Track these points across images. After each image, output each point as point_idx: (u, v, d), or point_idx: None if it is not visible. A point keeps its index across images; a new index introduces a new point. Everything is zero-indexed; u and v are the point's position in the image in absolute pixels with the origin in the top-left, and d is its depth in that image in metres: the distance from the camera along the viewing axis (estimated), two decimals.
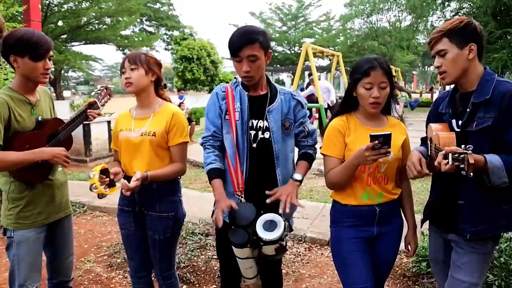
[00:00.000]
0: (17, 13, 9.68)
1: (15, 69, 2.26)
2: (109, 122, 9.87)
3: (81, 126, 8.69)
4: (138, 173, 2.23)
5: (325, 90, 11.79)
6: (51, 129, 2.35)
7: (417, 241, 2.33)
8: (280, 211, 2.11)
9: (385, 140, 1.89)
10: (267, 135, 2.26)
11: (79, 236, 4.82)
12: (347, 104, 2.24)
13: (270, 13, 34.21)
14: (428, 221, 2.26)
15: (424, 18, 27.79)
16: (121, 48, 24.01)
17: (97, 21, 20.57)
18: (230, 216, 2.14)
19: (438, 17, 27.26)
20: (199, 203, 5.38)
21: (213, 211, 2.29)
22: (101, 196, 2.28)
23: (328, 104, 11.64)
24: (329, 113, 11.59)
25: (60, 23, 19.78)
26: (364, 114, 2.19)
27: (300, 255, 4.16)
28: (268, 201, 2.16)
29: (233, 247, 2.14)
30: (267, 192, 2.19)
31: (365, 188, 2.14)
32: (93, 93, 2.60)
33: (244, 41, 2.11)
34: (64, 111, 11.75)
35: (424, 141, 2.25)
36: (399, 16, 29.34)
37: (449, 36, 1.95)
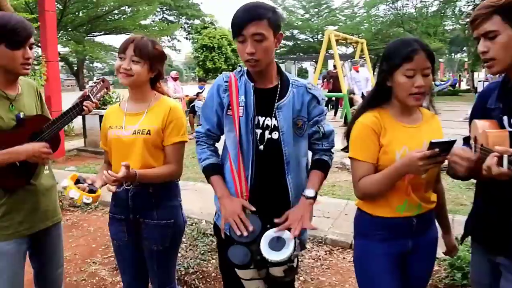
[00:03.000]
0: (31, 3, 9.56)
1: None
2: None
3: (97, 118, 8.58)
4: (125, 163, 1.94)
5: (365, 79, 11.42)
6: (33, 128, 2.07)
7: (457, 246, 2.07)
8: (291, 236, 1.77)
9: (447, 147, 1.57)
10: (275, 135, 1.91)
11: (88, 234, 4.61)
12: (379, 97, 1.88)
13: (293, 0, 33.66)
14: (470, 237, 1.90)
15: (452, 4, 27.08)
16: None
17: (116, 11, 20.46)
18: (231, 229, 1.81)
19: (468, 2, 26.49)
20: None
21: (216, 212, 2.02)
22: (84, 204, 1.99)
23: (362, 94, 11.28)
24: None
25: (79, 14, 19.71)
26: (399, 108, 1.85)
27: (320, 259, 3.82)
28: (277, 221, 1.83)
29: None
30: (275, 220, 1.84)
31: (403, 199, 1.80)
32: (87, 86, 2.31)
33: (250, 16, 1.77)
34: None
35: (467, 141, 1.87)
36: (425, 2, 28.63)
37: (502, 14, 1.53)
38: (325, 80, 15.34)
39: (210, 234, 4.14)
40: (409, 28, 27.36)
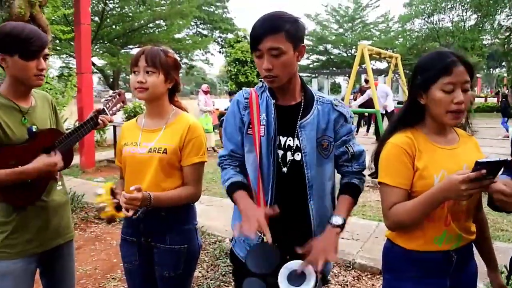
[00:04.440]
0: (69, 15, 9.80)
1: (4, 70, 1.92)
2: None
3: None
4: (136, 186, 1.81)
5: (383, 94, 11.08)
6: (45, 142, 1.98)
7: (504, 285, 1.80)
8: (314, 270, 1.57)
9: (495, 169, 1.38)
10: (298, 157, 1.74)
11: (110, 248, 4.54)
12: (411, 116, 1.70)
13: (326, 15, 33.64)
14: None
15: (491, 17, 26.34)
16: (175, 51, 24.28)
17: (151, 24, 20.85)
18: (247, 258, 1.65)
19: (508, 16, 25.72)
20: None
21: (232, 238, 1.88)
22: (110, 219, 1.89)
23: (386, 110, 10.96)
24: (385, 121, 10.96)
25: (116, 27, 20.18)
26: (434, 128, 1.66)
27: (347, 285, 3.59)
28: (299, 251, 1.64)
29: None
30: (297, 250, 1.65)
31: (442, 229, 1.60)
32: (103, 100, 2.23)
33: (265, 29, 1.62)
34: (120, 113, 11.80)
35: (508, 166, 1.65)
36: (463, 16, 28.03)
37: None
38: (358, 94, 15.04)
39: None
40: (445, 42, 26.75)
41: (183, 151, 1.97)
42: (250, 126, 1.76)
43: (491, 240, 1.83)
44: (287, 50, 1.63)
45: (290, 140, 1.74)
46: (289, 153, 1.74)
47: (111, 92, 2.29)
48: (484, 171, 1.35)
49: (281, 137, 1.75)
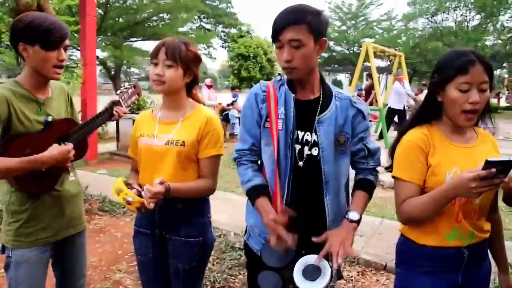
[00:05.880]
0: (74, 6, 9.75)
1: (24, 59, 1.92)
2: None
3: (131, 122, 8.67)
4: (160, 179, 1.81)
5: (403, 92, 11.16)
6: (60, 131, 1.99)
7: None
8: (334, 263, 1.59)
9: (506, 168, 1.38)
10: (315, 151, 1.74)
11: (115, 240, 4.55)
12: (429, 112, 1.71)
13: (329, 11, 33.50)
14: None
15: (495, 18, 26.29)
16: None
17: (155, 18, 20.75)
18: (263, 251, 1.66)
19: (510, 17, 25.66)
20: (244, 210, 4.90)
21: (246, 231, 1.91)
22: (140, 208, 1.84)
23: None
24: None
25: (119, 19, 20.09)
26: (450, 125, 1.67)
27: (351, 280, 3.63)
28: (315, 240, 1.66)
29: None
30: (313, 239, 1.67)
31: (453, 226, 1.62)
32: (118, 91, 2.23)
33: (287, 21, 1.63)
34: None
35: None
36: (466, 16, 27.94)
37: None
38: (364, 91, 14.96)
39: (239, 248, 4.00)
40: (448, 42, 26.72)
41: (201, 143, 1.97)
42: (268, 119, 1.76)
43: (504, 242, 1.84)
44: (308, 43, 1.64)
45: (308, 135, 1.75)
46: (306, 148, 1.75)
47: (126, 84, 2.29)
48: (493, 170, 1.37)
49: (299, 132, 1.75)
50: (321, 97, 1.78)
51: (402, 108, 11.29)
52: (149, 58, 2.00)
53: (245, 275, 3.58)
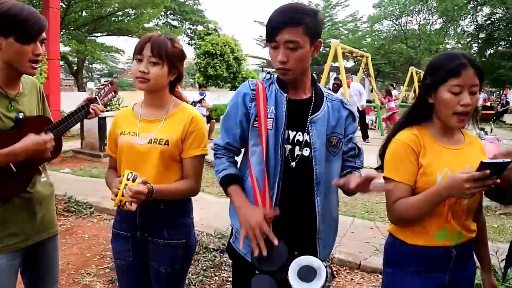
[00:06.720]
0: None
1: None
2: None
3: (96, 120, 8.40)
4: (143, 179, 1.73)
5: (357, 93, 11.21)
6: (33, 130, 1.86)
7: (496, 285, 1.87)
8: (323, 265, 1.55)
9: (499, 170, 1.41)
10: (306, 152, 1.71)
11: (83, 242, 4.39)
12: (419, 114, 1.72)
13: None
14: None
15: (456, 22, 27.22)
16: None
17: (120, 13, 20.29)
18: (254, 256, 1.60)
19: (470, 22, 26.62)
20: (216, 209, 4.83)
21: (231, 233, 1.82)
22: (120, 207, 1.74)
23: (358, 109, 11.09)
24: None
25: (83, 13, 19.53)
26: (440, 127, 1.69)
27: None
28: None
29: None
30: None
31: (443, 226, 1.64)
32: (94, 88, 2.11)
33: (284, 21, 1.58)
34: None
35: None
36: (429, 19, 28.83)
37: None
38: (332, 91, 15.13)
39: (213, 249, 3.93)
40: (412, 44, 27.48)
41: (185, 143, 1.90)
42: (257, 118, 1.71)
43: (487, 242, 1.88)
44: (304, 44, 1.61)
45: (299, 135, 1.71)
46: (297, 148, 1.71)
47: (103, 80, 2.18)
48: (488, 171, 1.39)
49: (289, 131, 1.71)
50: (313, 98, 1.75)
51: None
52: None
53: (220, 277, 3.52)
